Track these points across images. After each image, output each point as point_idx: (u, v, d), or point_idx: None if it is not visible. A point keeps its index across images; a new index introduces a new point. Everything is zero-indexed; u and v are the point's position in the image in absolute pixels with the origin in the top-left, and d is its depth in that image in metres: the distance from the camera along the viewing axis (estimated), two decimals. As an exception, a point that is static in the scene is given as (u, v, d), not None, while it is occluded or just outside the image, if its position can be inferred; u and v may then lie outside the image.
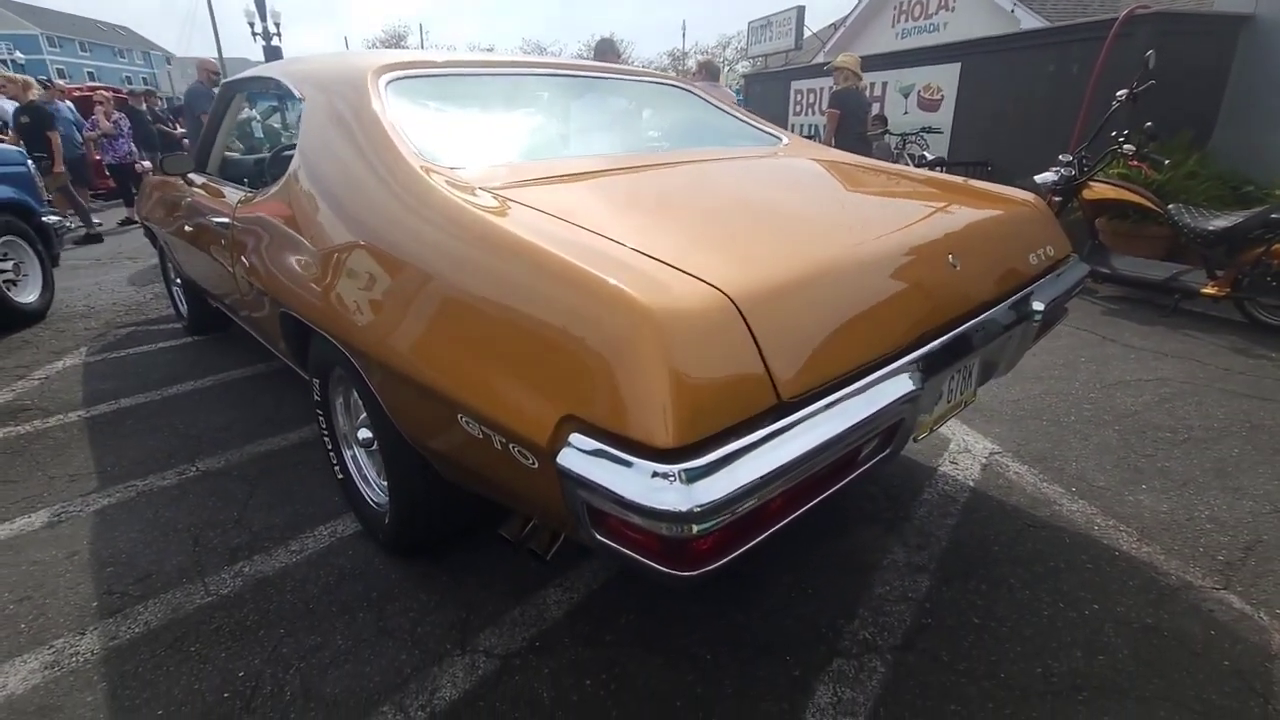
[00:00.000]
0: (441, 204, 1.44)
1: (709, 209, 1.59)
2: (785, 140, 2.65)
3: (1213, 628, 1.70)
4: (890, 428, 1.28)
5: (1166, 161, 4.34)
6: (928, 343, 1.40)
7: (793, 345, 1.11)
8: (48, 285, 4.60)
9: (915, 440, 1.54)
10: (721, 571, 1.06)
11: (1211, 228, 3.96)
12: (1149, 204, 4.34)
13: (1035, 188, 4.92)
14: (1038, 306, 1.74)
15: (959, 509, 2.21)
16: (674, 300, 1.02)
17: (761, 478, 0.96)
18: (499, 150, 1.94)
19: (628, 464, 0.93)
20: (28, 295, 4.43)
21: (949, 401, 1.63)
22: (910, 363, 1.32)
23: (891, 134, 7.22)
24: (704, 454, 0.94)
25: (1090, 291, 4.81)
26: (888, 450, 1.34)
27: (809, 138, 6.59)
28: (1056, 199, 4.80)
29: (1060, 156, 4.78)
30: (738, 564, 1.09)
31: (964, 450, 2.59)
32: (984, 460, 2.51)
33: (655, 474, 0.91)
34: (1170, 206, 4.22)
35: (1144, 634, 1.68)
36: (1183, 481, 2.35)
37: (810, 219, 1.61)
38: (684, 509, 0.88)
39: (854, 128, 5.96)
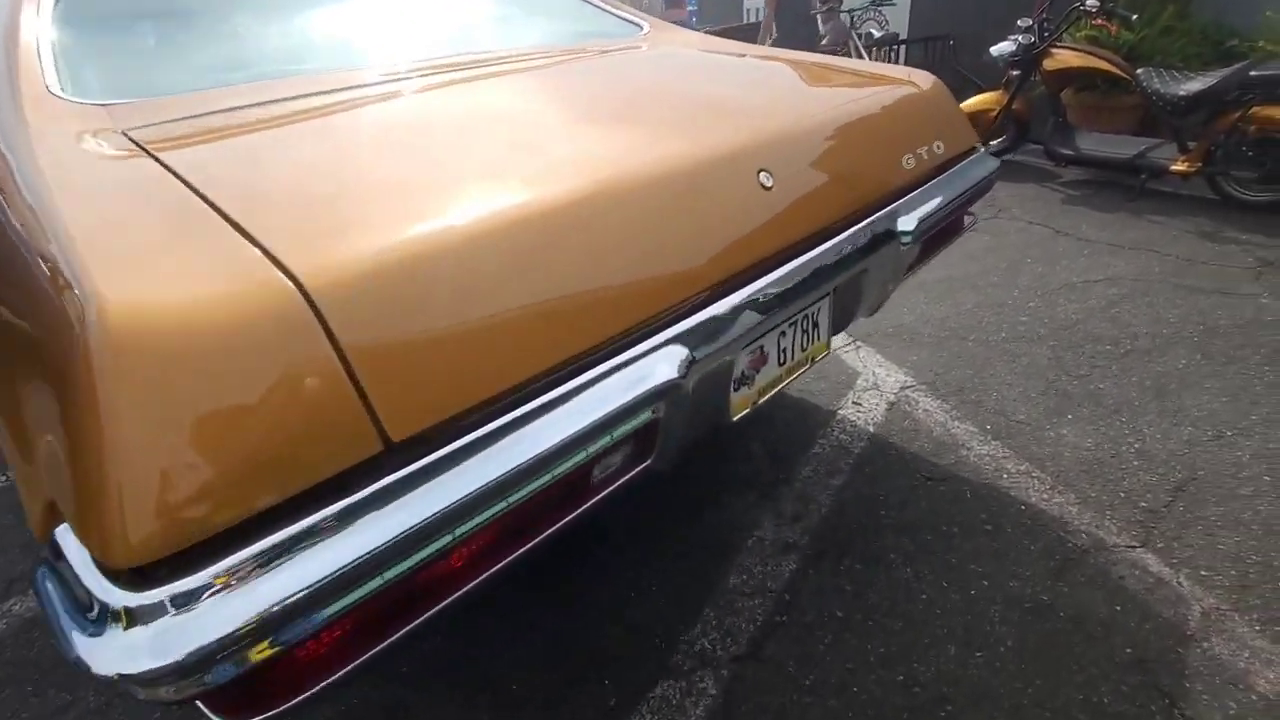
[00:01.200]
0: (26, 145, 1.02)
1: (412, 150, 1.11)
2: (644, 29, 2.14)
3: (1119, 601, 1.42)
4: (641, 432, 0.93)
5: (1135, 17, 3.75)
6: (720, 296, 1.03)
7: (428, 350, 0.74)
8: None
9: (733, 420, 1.20)
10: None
11: (1183, 92, 3.44)
12: (1115, 70, 3.79)
13: (992, 62, 4.35)
14: (905, 226, 1.34)
15: (850, 464, 1.89)
16: (175, 306, 0.63)
17: (287, 603, 0.60)
18: (204, 72, 1.47)
19: (80, 591, 0.59)
20: None
21: (781, 364, 1.27)
22: (680, 335, 0.95)
23: (841, 11, 6.44)
24: (191, 571, 0.59)
25: (1052, 177, 4.33)
26: (647, 460, 0.99)
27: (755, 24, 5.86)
28: (1015, 73, 4.23)
29: (1019, 22, 4.16)
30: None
31: (871, 386, 2.25)
32: (892, 397, 2.18)
33: (94, 611, 0.56)
34: (1139, 71, 3.68)
35: (1035, 616, 1.40)
36: (1115, 407, 2.02)
37: (554, 149, 1.11)
38: (133, 670, 0.55)
39: (797, 6, 5.26)
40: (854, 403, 2.17)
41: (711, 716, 1.27)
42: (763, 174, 1.13)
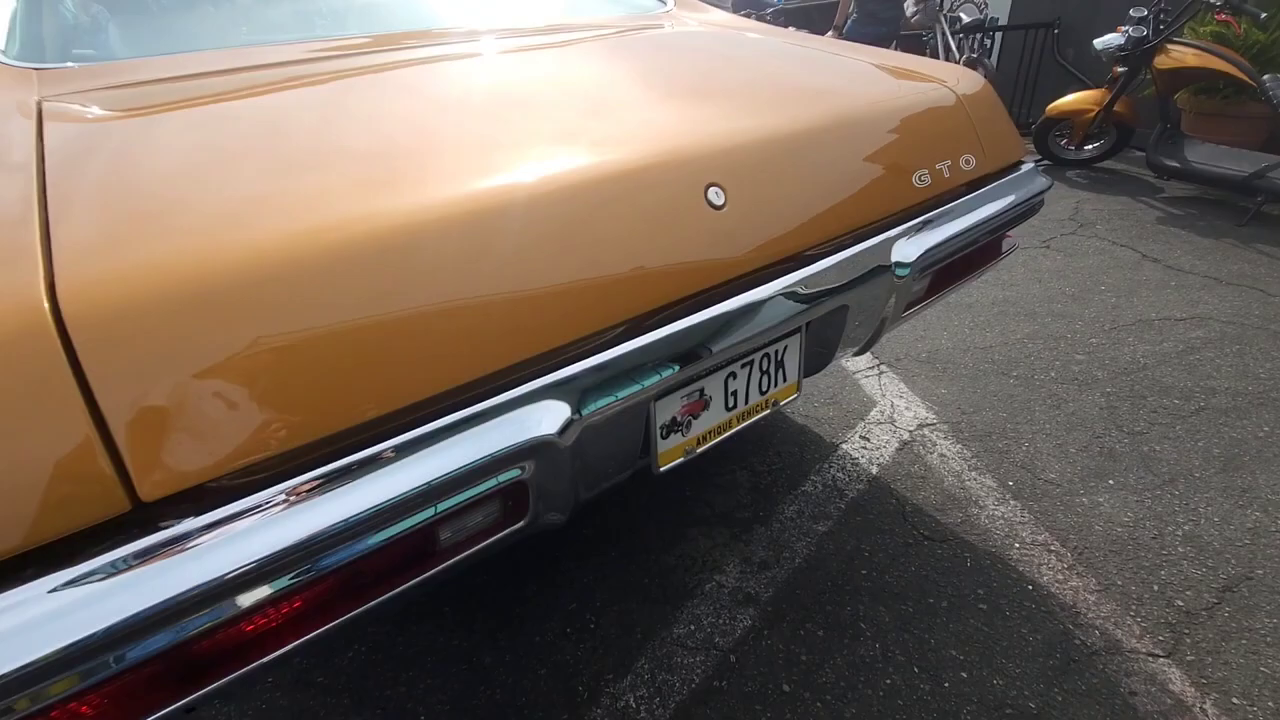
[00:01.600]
0: None
1: (312, 141, 0.97)
2: (668, 5, 1.95)
3: (1124, 724, 1.19)
4: (506, 492, 0.80)
5: (1264, 15, 3.21)
6: (636, 334, 0.87)
7: (216, 394, 0.62)
8: None
9: (658, 470, 1.04)
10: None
11: (1321, 105, 2.94)
12: (1239, 74, 3.28)
13: (1096, 55, 3.87)
14: (902, 257, 1.14)
15: (841, 509, 1.70)
16: None
17: None
18: (167, 36, 1.40)
19: None
20: None
21: (731, 408, 1.10)
22: (570, 379, 0.80)
23: (933, -10, 5.90)
24: None
25: (1152, 191, 3.84)
26: (520, 522, 0.85)
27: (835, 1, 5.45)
28: (1121, 69, 3.74)
29: (1132, 12, 3.67)
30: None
31: (886, 420, 2.03)
32: (907, 435, 1.95)
33: None
34: (1267, 77, 3.16)
35: (1016, 728, 1.20)
36: (1169, 476, 1.73)
37: (463, 139, 0.95)
38: None
39: (882, -17, 4.83)
40: (862, 437, 1.96)
41: (614, 790, 1.15)
42: (712, 189, 0.95)
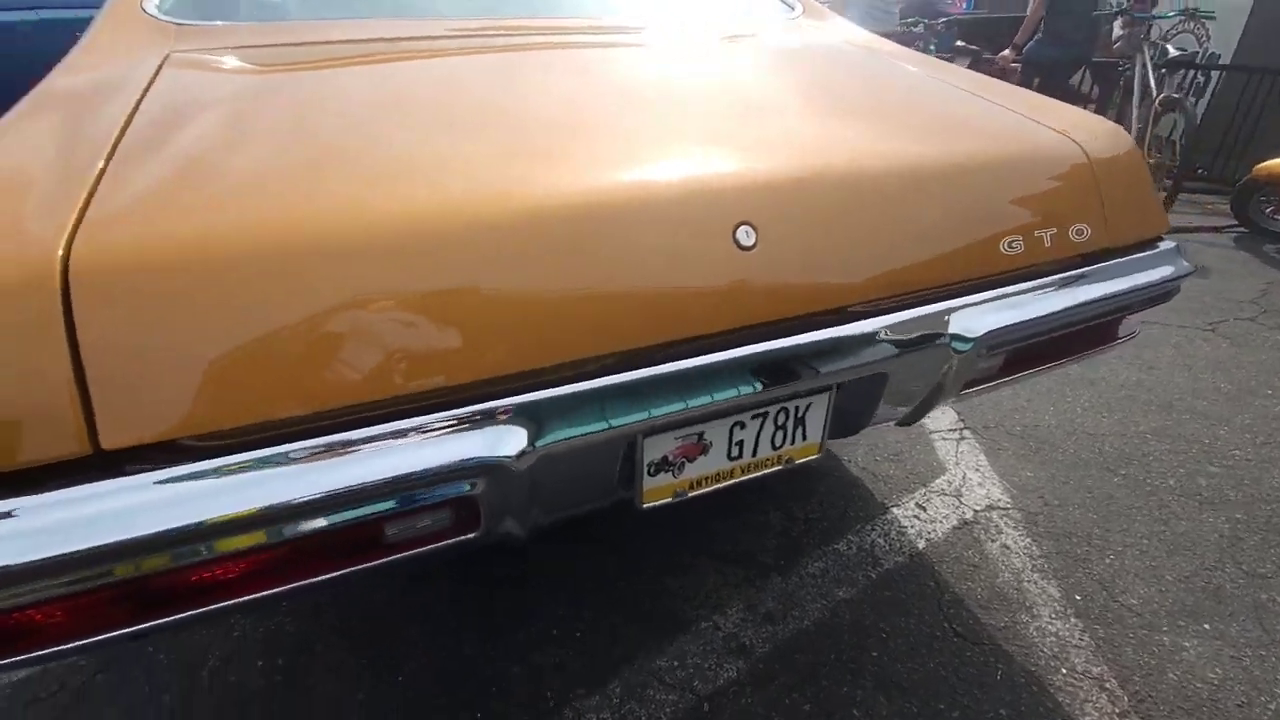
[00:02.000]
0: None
1: (381, 124, 1.00)
2: (795, 11, 1.85)
3: None
4: (455, 503, 0.79)
5: None
6: (634, 366, 0.84)
7: (158, 356, 0.66)
8: None
9: (641, 507, 1.00)
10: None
11: None
12: None
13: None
14: (963, 330, 1.01)
15: (871, 579, 1.56)
16: None
17: None
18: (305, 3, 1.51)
19: None
20: None
21: (734, 458, 1.03)
22: (528, 405, 0.78)
23: (1143, 17, 5.17)
24: None
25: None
26: (473, 533, 0.84)
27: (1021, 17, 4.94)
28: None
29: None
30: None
31: (951, 492, 1.84)
32: (971, 514, 1.76)
33: None
34: None
35: None
36: (1286, 638, 1.44)
37: (497, 145, 0.93)
38: None
39: (1077, 2, 4.31)
40: (919, 505, 1.79)
41: (548, 807, 1.14)
42: (742, 229, 0.88)
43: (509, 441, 0.76)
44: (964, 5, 11.27)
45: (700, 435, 0.98)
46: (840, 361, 0.95)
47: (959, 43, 4.67)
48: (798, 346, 0.92)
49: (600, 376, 0.82)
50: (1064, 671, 1.36)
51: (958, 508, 1.78)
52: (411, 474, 0.72)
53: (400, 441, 0.73)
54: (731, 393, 0.88)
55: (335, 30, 1.34)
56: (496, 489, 0.79)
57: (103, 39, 1.23)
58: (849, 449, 1.99)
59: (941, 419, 2.14)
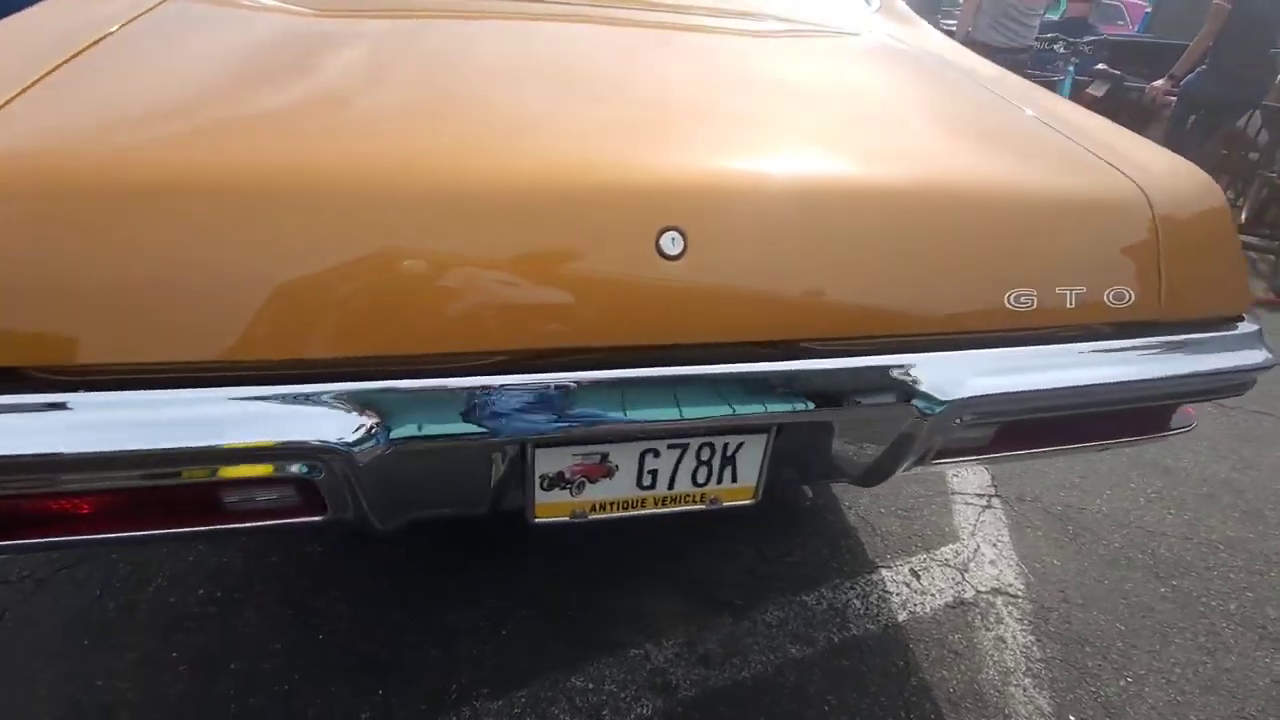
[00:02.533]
0: None
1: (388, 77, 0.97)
2: (871, 7, 1.66)
3: None
4: (297, 482, 0.74)
5: None
6: (529, 369, 0.75)
7: (30, 274, 0.64)
8: None
9: (533, 521, 0.91)
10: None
11: None
12: None
13: None
14: (932, 391, 0.85)
15: (833, 641, 1.41)
16: None
17: None
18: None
19: None
20: None
21: (646, 487, 0.92)
22: (380, 392, 0.71)
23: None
24: None
25: None
26: (320, 516, 0.79)
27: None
28: None
29: None
30: None
31: (959, 563, 1.63)
32: (971, 593, 1.55)
33: None
34: None
35: None
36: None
37: (481, 120, 0.88)
38: None
39: (1255, 35, 3.72)
40: (913, 571, 1.60)
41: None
42: (668, 235, 0.77)
43: (353, 429, 0.70)
44: (1135, 26, 10.13)
45: (604, 457, 0.88)
46: (767, 402, 0.82)
47: (1100, 66, 4.15)
48: (710, 375, 0.80)
49: (478, 374, 0.74)
50: (1027, 801, 1.17)
51: (958, 583, 1.58)
52: (234, 446, 0.67)
53: (243, 408, 0.68)
54: (617, 415, 0.78)
55: None
56: (338, 475, 0.73)
57: None
58: (852, 493, 1.81)
59: (970, 479, 1.92)
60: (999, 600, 1.54)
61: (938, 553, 1.66)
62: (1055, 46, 4.49)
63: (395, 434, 0.72)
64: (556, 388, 0.76)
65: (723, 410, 0.81)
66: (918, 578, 1.58)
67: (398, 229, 0.72)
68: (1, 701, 1.19)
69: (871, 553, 1.64)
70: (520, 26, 1.24)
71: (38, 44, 0.90)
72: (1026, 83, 1.38)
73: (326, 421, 0.70)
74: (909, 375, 0.85)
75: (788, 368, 0.82)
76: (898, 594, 1.54)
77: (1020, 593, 1.57)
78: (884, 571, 1.59)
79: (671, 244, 0.77)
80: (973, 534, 1.73)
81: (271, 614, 1.38)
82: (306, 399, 0.70)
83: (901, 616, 1.48)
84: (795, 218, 0.82)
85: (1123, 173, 0.98)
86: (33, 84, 0.77)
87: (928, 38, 1.57)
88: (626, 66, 1.11)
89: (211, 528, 0.78)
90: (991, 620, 1.49)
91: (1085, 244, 0.93)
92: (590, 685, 1.29)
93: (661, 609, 1.45)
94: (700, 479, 0.94)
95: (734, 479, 0.95)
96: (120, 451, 0.64)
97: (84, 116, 0.75)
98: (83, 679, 1.22)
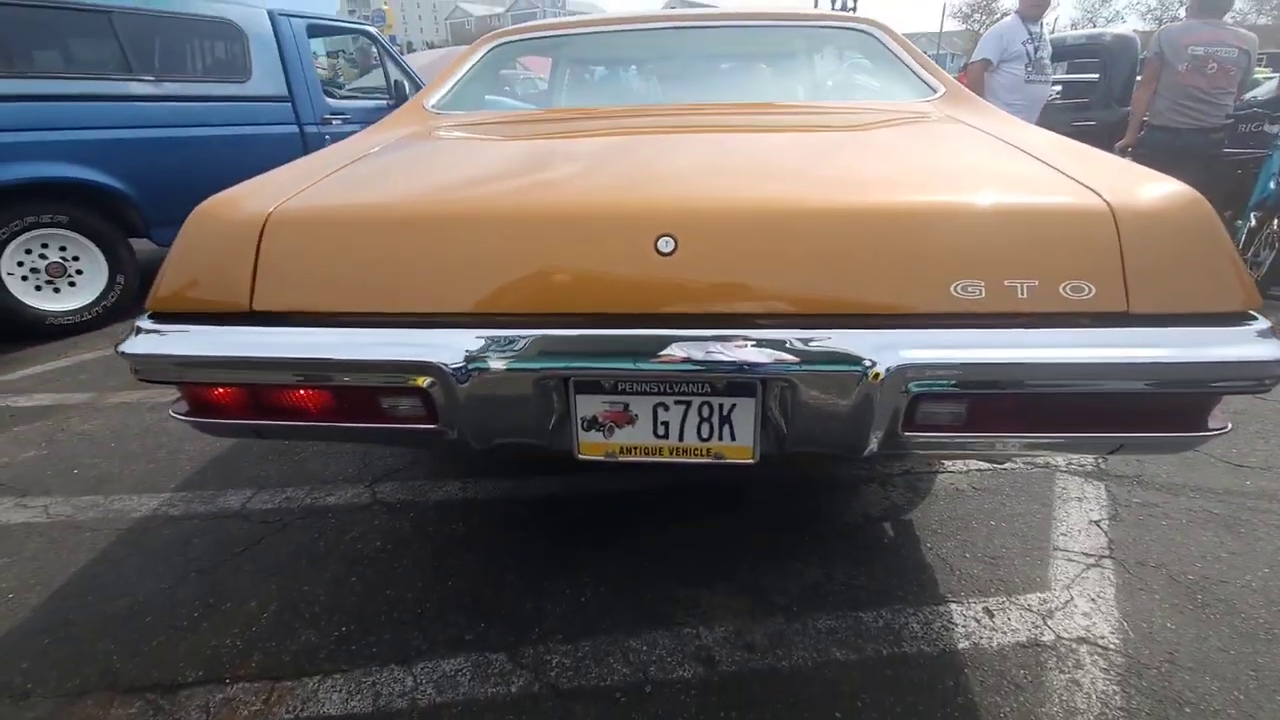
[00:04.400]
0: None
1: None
2: (938, 93, 1.91)
3: None
4: (417, 393, 1.14)
5: None
6: (568, 326, 1.12)
7: (297, 267, 1.16)
8: (110, 290, 3.74)
9: (578, 456, 1.22)
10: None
11: None
12: None
13: None
14: (874, 358, 1.04)
15: (880, 655, 1.44)
16: None
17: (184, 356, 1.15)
18: (518, 98, 2.14)
19: None
20: (72, 301, 3.65)
21: (660, 436, 1.19)
22: (493, 337, 1.10)
23: None
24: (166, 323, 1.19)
25: None
26: (434, 424, 1.18)
27: None
28: None
29: None
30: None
31: (1043, 609, 1.55)
32: (1051, 638, 1.47)
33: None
34: None
35: None
36: None
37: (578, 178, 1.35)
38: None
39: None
40: (988, 610, 1.56)
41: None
42: (663, 239, 1.10)
43: (451, 353, 1.10)
44: None
45: (626, 406, 1.19)
46: (746, 364, 1.07)
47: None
48: (694, 337, 1.08)
49: (535, 328, 1.12)
50: (1066, 827, 1.11)
51: (1037, 627, 1.51)
52: (382, 359, 1.11)
53: (393, 335, 1.13)
54: (627, 364, 1.09)
55: (522, 116, 1.92)
56: (452, 389, 1.13)
57: (394, 118, 1.99)
58: (936, 536, 1.81)
59: (1078, 537, 1.80)
60: (1084, 650, 1.45)
61: (1021, 598, 1.60)
62: (1266, 126, 4.08)
63: (491, 363, 1.10)
64: (581, 341, 1.10)
65: (710, 366, 1.08)
66: (991, 616, 1.55)
67: (529, 241, 1.15)
68: (254, 591, 1.73)
69: (945, 589, 1.64)
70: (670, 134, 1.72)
71: (335, 158, 1.54)
72: (1052, 136, 1.51)
73: (441, 349, 1.11)
74: (858, 344, 1.05)
75: (760, 335, 1.08)
76: (964, 625, 1.52)
77: (1114, 645, 1.46)
78: (953, 605, 1.58)
79: (665, 244, 1.10)
80: (1069, 587, 1.63)
81: (421, 564, 1.80)
82: (428, 338, 1.12)
83: (962, 645, 1.47)
84: (754, 227, 1.12)
85: (1091, 189, 1.12)
86: (326, 177, 1.37)
87: (980, 113, 1.76)
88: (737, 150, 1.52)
89: (374, 425, 1.22)
90: (1070, 665, 1.41)
91: (1044, 246, 1.07)
92: (644, 648, 1.49)
93: (720, 602, 1.61)
94: (704, 434, 1.19)
95: (734, 437, 1.19)
96: (343, 359, 1.11)
97: (344, 190, 1.32)
98: (295, 586, 1.72)
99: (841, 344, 1.06)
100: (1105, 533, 1.84)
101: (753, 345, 1.08)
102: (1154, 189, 1.12)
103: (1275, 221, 3.51)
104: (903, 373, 1.03)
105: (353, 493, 2.13)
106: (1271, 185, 3.64)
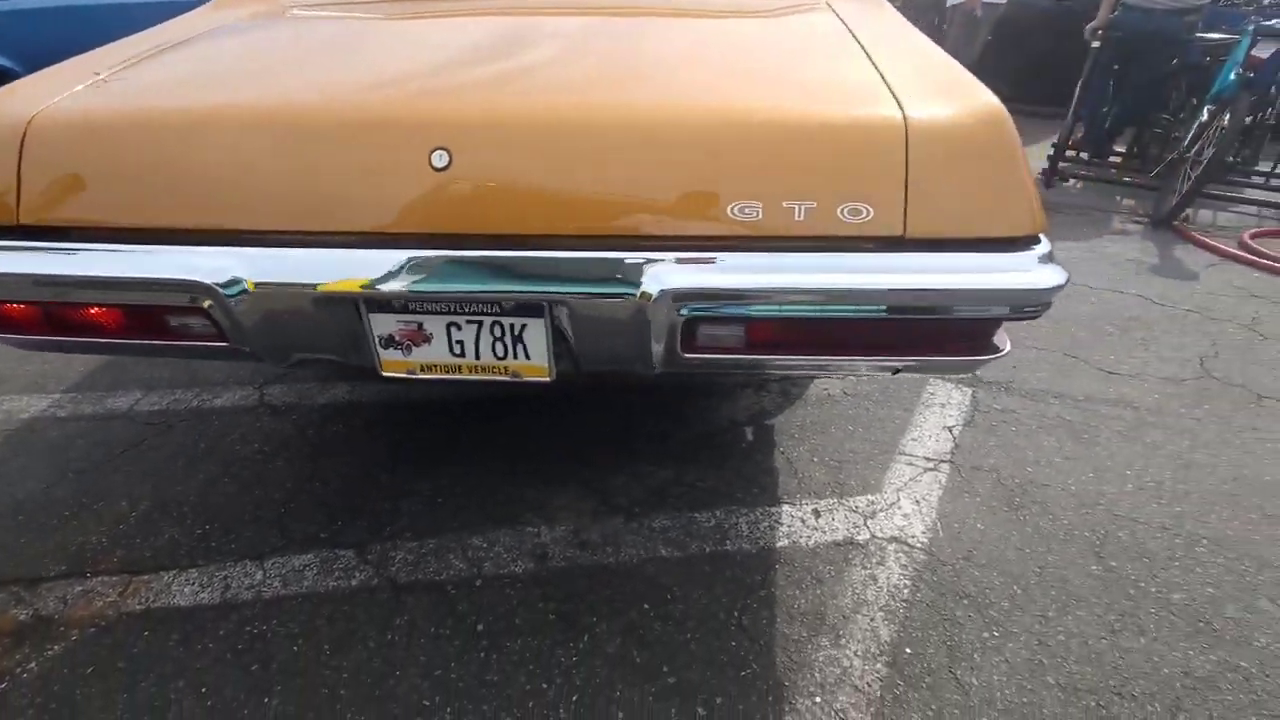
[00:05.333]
0: None
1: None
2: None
3: None
4: (196, 311, 1.13)
5: None
6: (345, 245, 1.08)
7: (65, 177, 1.10)
8: None
9: (382, 373, 1.24)
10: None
11: None
12: None
13: None
14: (645, 282, 1.03)
15: (702, 552, 1.55)
16: None
17: None
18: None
19: None
20: None
21: (457, 355, 1.20)
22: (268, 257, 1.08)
23: None
24: None
25: None
26: (225, 344, 1.17)
27: None
28: None
29: None
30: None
31: (868, 510, 1.65)
32: (866, 536, 1.58)
33: None
34: None
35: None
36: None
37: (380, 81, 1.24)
38: None
39: None
40: (816, 511, 1.66)
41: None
42: (438, 152, 1.05)
43: (215, 275, 1.08)
44: None
45: (420, 325, 1.18)
46: (510, 283, 1.06)
47: (1273, 21, 3.41)
48: (464, 259, 1.06)
49: (311, 248, 1.09)
50: (817, 704, 1.24)
51: (857, 528, 1.61)
52: (143, 279, 1.08)
53: (158, 254, 1.10)
54: (397, 286, 1.07)
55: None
56: (224, 312, 1.11)
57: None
58: (792, 440, 1.89)
59: (929, 443, 1.88)
60: (892, 547, 1.56)
61: (851, 500, 1.70)
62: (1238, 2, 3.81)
63: (241, 286, 1.08)
64: (356, 260, 1.08)
65: (486, 286, 1.07)
66: (818, 516, 1.65)
67: (286, 149, 1.08)
68: (128, 491, 1.79)
69: (784, 491, 1.73)
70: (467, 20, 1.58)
71: (147, 44, 1.41)
72: (916, 41, 1.40)
73: (209, 269, 1.08)
74: (628, 268, 1.03)
75: (533, 255, 1.05)
76: (789, 526, 1.62)
77: (920, 545, 1.57)
78: (786, 506, 1.68)
79: (439, 158, 1.05)
80: (900, 490, 1.73)
81: (295, 465, 1.86)
82: (196, 254, 1.09)
83: (782, 543, 1.58)
84: (532, 140, 1.05)
85: (898, 102, 1.06)
86: (115, 70, 1.27)
87: (867, 6, 1.62)
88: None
89: (170, 343, 1.21)
90: (873, 562, 1.53)
91: (828, 164, 1.03)
92: (485, 545, 1.59)
93: (567, 503, 1.70)
94: (500, 353, 1.20)
95: (528, 356, 1.20)
96: (103, 276, 1.08)
97: (123, 88, 1.23)
98: (169, 486, 1.79)
99: (611, 268, 1.04)
100: (954, 438, 1.92)
101: (526, 267, 1.06)
102: (957, 103, 1.06)
103: (1225, 116, 3.37)
104: (670, 296, 1.02)
105: (241, 395, 2.16)
106: (1232, 76, 3.46)
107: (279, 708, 1.24)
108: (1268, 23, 3.25)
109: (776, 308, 1.04)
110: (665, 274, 1.02)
